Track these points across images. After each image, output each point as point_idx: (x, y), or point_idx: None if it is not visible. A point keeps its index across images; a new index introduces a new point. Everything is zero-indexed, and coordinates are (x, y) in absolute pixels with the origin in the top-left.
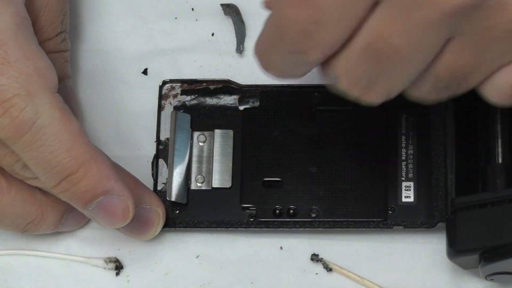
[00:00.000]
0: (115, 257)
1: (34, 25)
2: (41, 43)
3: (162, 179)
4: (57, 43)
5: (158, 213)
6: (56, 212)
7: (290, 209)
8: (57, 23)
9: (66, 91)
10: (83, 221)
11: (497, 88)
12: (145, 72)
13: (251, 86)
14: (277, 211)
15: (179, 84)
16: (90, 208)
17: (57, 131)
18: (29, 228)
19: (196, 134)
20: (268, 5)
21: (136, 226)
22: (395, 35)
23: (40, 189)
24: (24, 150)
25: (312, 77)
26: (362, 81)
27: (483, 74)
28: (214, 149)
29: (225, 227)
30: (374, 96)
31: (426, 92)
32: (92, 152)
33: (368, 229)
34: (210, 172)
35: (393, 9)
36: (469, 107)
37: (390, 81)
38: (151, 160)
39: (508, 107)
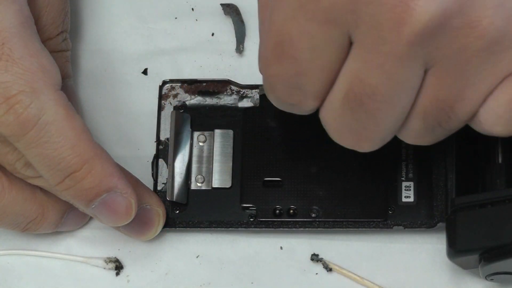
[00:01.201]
0: (115, 257)
1: (36, 24)
2: (43, 42)
3: (162, 179)
4: (58, 43)
5: (158, 213)
6: (57, 212)
7: (290, 209)
8: (58, 23)
9: (66, 90)
10: (83, 220)
11: (493, 114)
12: (145, 72)
13: (251, 86)
14: (277, 211)
15: (179, 84)
16: (93, 206)
17: (61, 128)
18: (29, 227)
19: (196, 134)
20: (260, 70)
21: (136, 226)
22: (370, 75)
23: (40, 188)
24: (28, 147)
25: None
26: (350, 130)
27: (471, 102)
28: (214, 149)
29: (225, 227)
30: (366, 144)
31: (420, 134)
32: (96, 150)
33: (368, 229)
34: (210, 172)
35: (364, 48)
36: None
37: (378, 126)
38: (151, 160)
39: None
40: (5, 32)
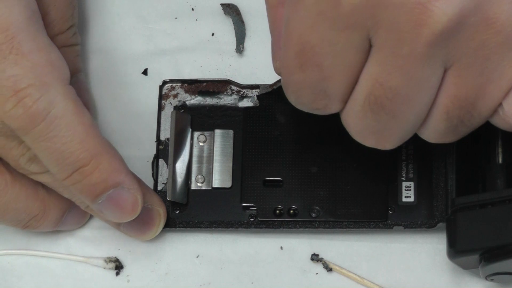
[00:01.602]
0: (115, 257)
1: (45, 19)
2: (53, 37)
3: (162, 179)
4: (68, 37)
5: (159, 213)
6: (58, 209)
7: (290, 209)
8: (67, 17)
9: (78, 84)
10: (83, 220)
11: None
12: (145, 72)
13: (251, 86)
14: (278, 211)
15: (179, 84)
16: (100, 201)
17: (70, 122)
18: (30, 224)
19: (196, 134)
20: (278, 71)
21: (137, 225)
22: (390, 78)
23: (42, 185)
24: (36, 141)
25: None
26: (372, 131)
27: (493, 98)
28: (214, 149)
29: (226, 227)
30: (388, 143)
31: (443, 133)
32: (104, 145)
33: (368, 229)
34: (210, 172)
35: (383, 51)
36: None
37: (399, 126)
38: (151, 160)
39: None
40: (14, 26)
